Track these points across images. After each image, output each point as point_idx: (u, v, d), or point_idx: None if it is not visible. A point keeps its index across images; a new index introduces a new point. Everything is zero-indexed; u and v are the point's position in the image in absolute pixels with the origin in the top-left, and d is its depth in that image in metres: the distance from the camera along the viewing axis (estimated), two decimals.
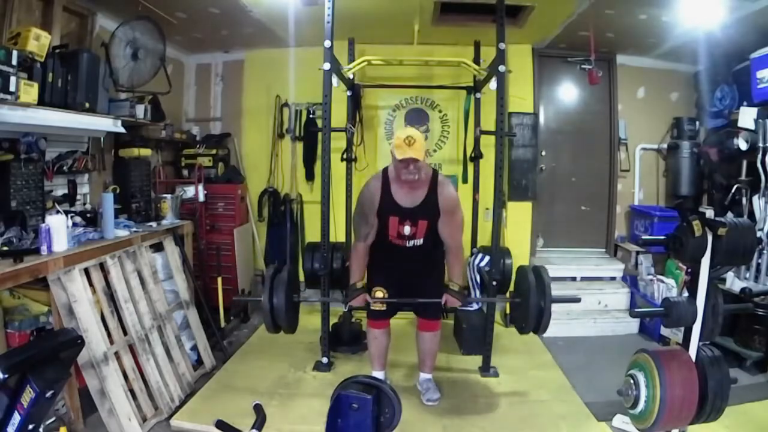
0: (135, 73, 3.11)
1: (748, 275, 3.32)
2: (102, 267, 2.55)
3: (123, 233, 2.80)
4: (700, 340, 1.99)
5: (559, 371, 3.16)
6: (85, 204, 3.10)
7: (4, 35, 2.46)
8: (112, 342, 2.45)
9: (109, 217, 2.74)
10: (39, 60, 2.43)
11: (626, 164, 4.53)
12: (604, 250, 4.66)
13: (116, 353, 2.45)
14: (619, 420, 2.51)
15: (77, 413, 2.38)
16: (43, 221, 2.34)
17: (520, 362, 3.29)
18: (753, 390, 2.88)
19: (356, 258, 2.64)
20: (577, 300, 2.72)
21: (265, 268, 4.41)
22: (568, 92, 4.63)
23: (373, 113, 4.47)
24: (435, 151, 4.47)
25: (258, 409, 1.45)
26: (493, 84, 3.03)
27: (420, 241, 2.56)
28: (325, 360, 3.14)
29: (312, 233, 4.44)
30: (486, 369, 3.11)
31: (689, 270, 2.24)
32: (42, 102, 2.45)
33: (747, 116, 3.48)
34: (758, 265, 3.27)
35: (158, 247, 3.14)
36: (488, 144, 3.74)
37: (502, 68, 2.93)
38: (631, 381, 2.03)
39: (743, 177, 3.59)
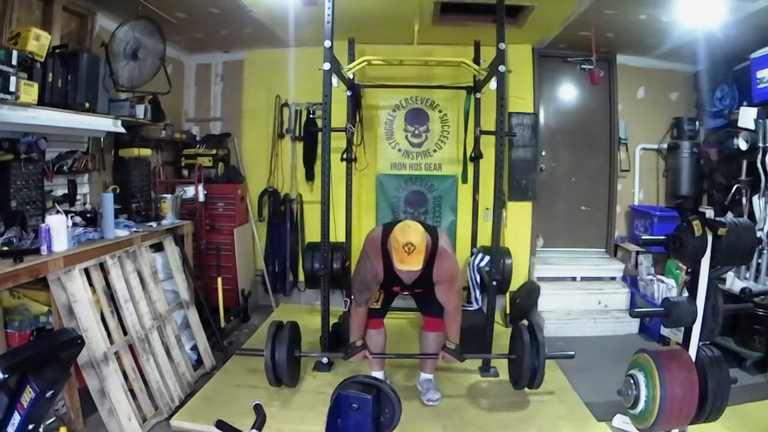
0: (135, 73, 3.11)
1: (748, 275, 3.32)
2: (102, 267, 2.55)
3: (123, 233, 2.80)
4: (700, 340, 1.99)
5: (559, 371, 3.16)
6: (85, 204, 3.10)
7: (4, 35, 2.46)
8: (112, 342, 2.45)
9: (109, 217, 2.74)
10: (39, 60, 2.43)
11: (626, 164, 4.53)
12: (604, 250, 4.66)
13: (116, 353, 2.45)
14: (619, 420, 2.51)
15: (77, 413, 2.38)
16: (43, 221, 2.34)
17: None
18: (753, 390, 2.88)
19: (356, 320, 2.67)
20: (571, 356, 2.83)
21: (265, 269, 4.43)
22: (568, 92, 4.63)
23: (373, 113, 4.47)
24: (435, 151, 4.48)
25: (258, 409, 1.45)
26: (493, 84, 3.03)
27: (420, 290, 2.65)
28: (325, 360, 3.14)
29: (312, 233, 4.44)
30: (486, 369, 3.11)
31: (689, 270, 2.24)
32: (42, 102, 2.45)
33: (747, 116, 3.49)
34: (758, 265, 3.27)
35: (158, 247, 3.14)
36: (488, 144, 3.74)
37: (502, 68, 2.92)
38: (631, 381, 2.03)
39: (743, 177, 3.59)
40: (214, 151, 4.33)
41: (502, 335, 3.61)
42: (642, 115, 4.52)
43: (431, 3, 3.42)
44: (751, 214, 3.41)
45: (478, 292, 3.93)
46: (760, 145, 3.34)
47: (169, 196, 3.48)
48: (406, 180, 4.44)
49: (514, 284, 4.05)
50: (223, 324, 3.65)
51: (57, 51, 2.63)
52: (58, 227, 2.32)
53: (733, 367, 2.89)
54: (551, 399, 2.82)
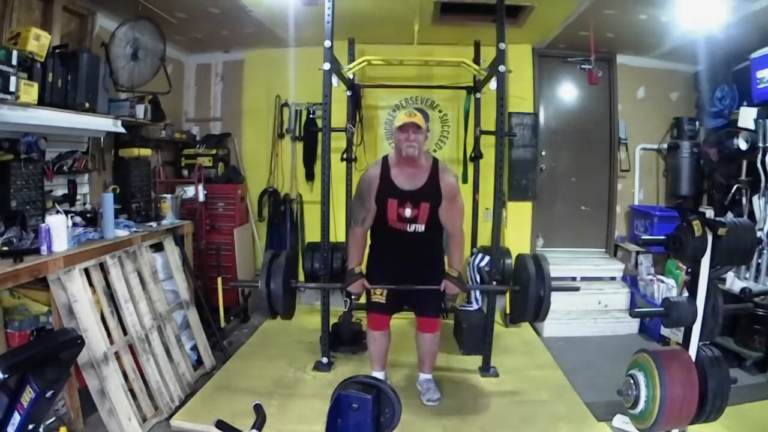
0: (135, 73, 3.11)
1: (748, 275, 3.31)
2: (102, 267, 2.55)
3: (123, 233, 2.80)
4: (700, 340, 1.99)
5: (559, 371, 3.16)
6: (85, 204, 3.10)
7: (4, 35, 2.46)
8: (112, 342, 2.45)
9: (109, 217, 2.74)
10: (39, 60, 2.43)
11: (626, 164, 4.53)
12: (604, 250, 4.66)
13: (116, 353, 2.45)
14: (619, 420, 2.51)
15: (77, 413, 2.38)
16: (43, 221, 2.34)
17: (520, 362, 3.29)
18: (753, 390, 2.88)
19: (353, 242, 2.64)
20: (576, 289, 2.86)
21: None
22: (568, 92, 4.63)
23: (373, 113, 4.47)
24: (435, 151, 4.47)
25: (258, 409, 1.45)
26: (493, 84, 3.03)
27: (422, 227, 2.53)
28: (325, 360, 3.14)
29: (312, 233, 4.44)
30: (486, 369, 3.11)
31: (689, 270, 2.24)
32: (42, 102, 2.45)
33: (747, 116, 3.49)
34: (758, 265, 3.27)
35: (158, 247, 3.14)
36: (488, 144, 3.73)
37: (502, 68, 2.92)
38: (631, 381, 2.03)
39: (743, 177, 3.58)
40: (214, 151, 4.33)
41: (502, 335, 3.63)
42: (642, 115, 4.52)
43: (431, 3, 3.43)
44: (751, 214, 3.41)
45: (478, 292, 3.93)
46: (760, 145, 3.34)
47: (169, 196, 3.48)
48: None
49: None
50: (223, 324, 3.65)
51: (57, 51, 2.63)
52: (58, 227, 2.32)
53: (733, 367, 2.89)
54: (551, 399, 2.82)
